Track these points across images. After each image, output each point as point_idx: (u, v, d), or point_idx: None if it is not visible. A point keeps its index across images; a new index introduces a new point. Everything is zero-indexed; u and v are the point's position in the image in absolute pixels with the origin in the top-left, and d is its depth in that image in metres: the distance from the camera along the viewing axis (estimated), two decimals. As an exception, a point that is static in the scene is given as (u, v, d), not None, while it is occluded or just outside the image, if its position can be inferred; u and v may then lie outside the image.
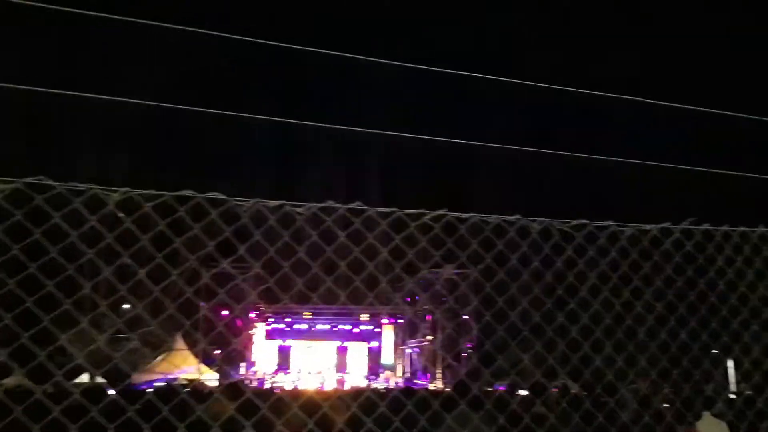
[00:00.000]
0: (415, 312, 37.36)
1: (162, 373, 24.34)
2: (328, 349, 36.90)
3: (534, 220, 4.08)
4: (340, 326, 36.88)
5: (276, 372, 34.49)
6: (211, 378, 27.05)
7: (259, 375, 33.12)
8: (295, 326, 36.60)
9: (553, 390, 6.96)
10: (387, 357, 37.76)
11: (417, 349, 37.56)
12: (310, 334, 36.71)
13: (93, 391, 4.49)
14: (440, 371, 35.11)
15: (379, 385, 31.12)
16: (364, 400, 4.58)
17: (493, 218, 4.01)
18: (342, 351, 37.06)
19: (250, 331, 35.48)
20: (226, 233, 3.73)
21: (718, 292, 4.72)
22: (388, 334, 38.00)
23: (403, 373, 37.42)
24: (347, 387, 28.26)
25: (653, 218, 4.42)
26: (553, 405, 5.90)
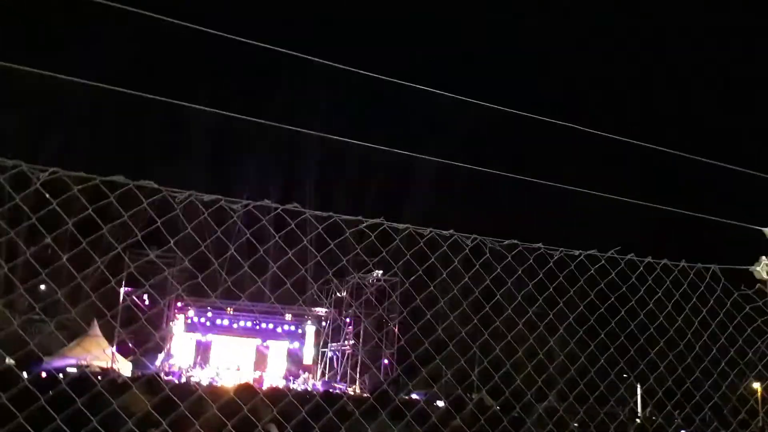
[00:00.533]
0: (340, 316, 37.34)
1: (75, 358, 23.62)
2: (249, 346, 36.48)
3: (468, 236, 4.13)
4: (263, 324, 36.53)
5: (193, 366, 33.91)
6: (124, 367, 26.45)
7: (175, 368, 32.48)
8: (217, 321, 36.07)
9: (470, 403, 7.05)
10: (307, 358, 37.58)
11: (338, 353, 37.52)
12: (231, 330, 36.22)
13: (4, 375, 4.32)
14: (359, 376, 35.19)
15: (298, 386, 30.95)
16: (285, 403, 4.54)
17: (428, 231, 4.04)
18: (262, 349, 36.70)
19: (170, 323, 34.81)
20: (157, 223, 3.64)
21: (637, 320, 4.88)
22: (310, 335, 37.83)
23: (323, 375, 37.31)
24: (265, 386, 27.97)
25: (581, 244, 4.54)
26: (469, 419, 5.96)
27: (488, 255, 4.16)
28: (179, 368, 32.78)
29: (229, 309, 35.62)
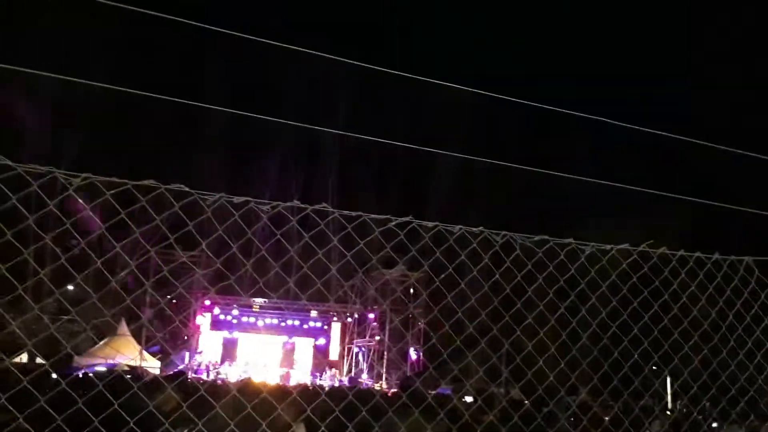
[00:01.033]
0: (366, 312, 37.42)
1: (104, 358, 23.89)
2: (275, 343, 36.67)
3: (497, 233, 4.11)
4: (289, 321, 36.69)
5: (221, 363, 34.16)
6: (152, 366, 26.72)
7: (203, 366, 32.74)
8: (243, 319, 36.29)
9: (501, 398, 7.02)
10: (333, 354, 37.71)
11: (364, 349, 37.60)
12: (257, 328, 36.43)
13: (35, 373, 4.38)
14: (386, 372, 35.24)
15: (324, 382, 31.04)
16: (316, 400, 4.55)
17: (457, 228, 4.03)
18: (289, 346, 36.87)
19: (196, 321, 35.11)
20: (189, 227, 3.67)
21: (670, 314, 4.83)
22: (336, 331, 37.95)
23: (349, 371, 37.41)
24: (292, 383, 28.10)
25: (613, 238, 4.50)
26: (500, 414, 5.95)
27: (518, 251, 4.13)
28: (207, 365, 33.02)
29: (255, 306, 35.84)
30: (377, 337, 36.38)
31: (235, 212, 3.63)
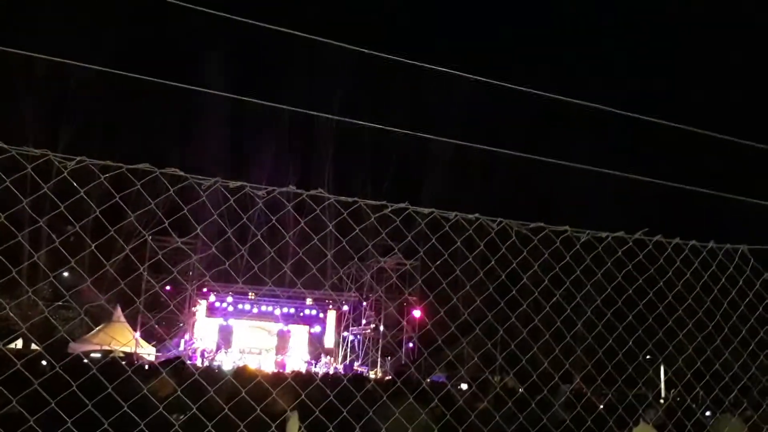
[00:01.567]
0: (361, 299, 37.44)
1: (99, 345, 23.89)
2: (270, 330, 36.70)
3: (493, 220, 4.10)
4: (284, 309, 36.70)
5: (216, 350, 34.17)
6: (148, 352, 26.72)
7: (198, 352, 32.75)
8: (239, 306, 36.29)
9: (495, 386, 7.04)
10: (329, 342, 37.75)
11: (359, 337, 37.66)
12: (252, 315, 36.44)
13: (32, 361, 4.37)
14: (381, 359, 35.32)
15: (320, 369, 31.10)
16: (312, 386, 4.56)
17: (453, 215, 4.02)
18: (284, 334, 36.89)
19: (192, 308, 35.10)
20: (183, 211, 3.65)
21: (665, 302, 4.84)
22: (331, 319, 37.99)
23: (344, 359, 37.48)
24: (287, 370, 28.14)
25: (607, 226, 4.49)
26: (494, 401, 5.97)
27: (514, 238, 4.13)
28: (203, 351, 33.03)
29: (251, 294, 35.83)
30: (372, 325, 36.43)
31: (230, 197, 3.62)
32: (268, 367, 30.21)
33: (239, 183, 3.58)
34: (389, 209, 3.89)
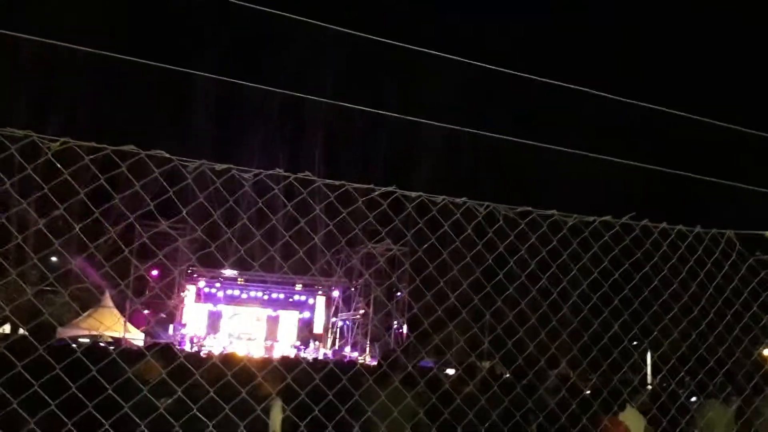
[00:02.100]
0: (350, 285, 37.50)
1: (87, 330, 23.84)
2: (260, 316, 36.73)
3: (480, 204, 4.10)
4: (273, 294, 36.72)
5: (205, 336, 34.19)
6: (136, 338, 26.69)
7: (187, 338, 32.76)
8: (228, 291, 36.29)
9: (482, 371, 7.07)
10: (318, 327, 37.83)
11: (348, 322, 37.76)
12: (242, 300, 36.46)
13: (19, 344, 4.35)
14: (370, 345, 35.45)
15: (308, 355, 31.18)
16: (299, 371, 4.56)
17: (440, 198, 4.02)
18: (273, 319, 36.94)
19: (181, 293, 35.06)
20: (169, 193, 3.63)
21: (651, 286, 4.86)
22: (320, 305, 38.04)
23: (333, 344, 37.58)
24: (276, 355, 28.19)
25: (595, 209, 4.50)
26: (481, 386, 5.99)
27: (501, 222, 4.13)
28: (192, 337, 33.04)
29: (240, 279, 35.82)
30: (361, 311, 36.52)
31: (216, 179, 3.59)
32: (258, 353, 30.24)
33: (225, 166, 3.56)
34: (376, 192, 3.88)
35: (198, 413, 3.84)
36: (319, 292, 37.83)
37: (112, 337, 24.02)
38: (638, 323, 4.95)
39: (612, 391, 5.55)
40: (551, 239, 4.39)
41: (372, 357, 33.48)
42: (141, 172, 3.86)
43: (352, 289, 37.28)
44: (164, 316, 32.54)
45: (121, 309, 28.54)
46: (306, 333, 37.11)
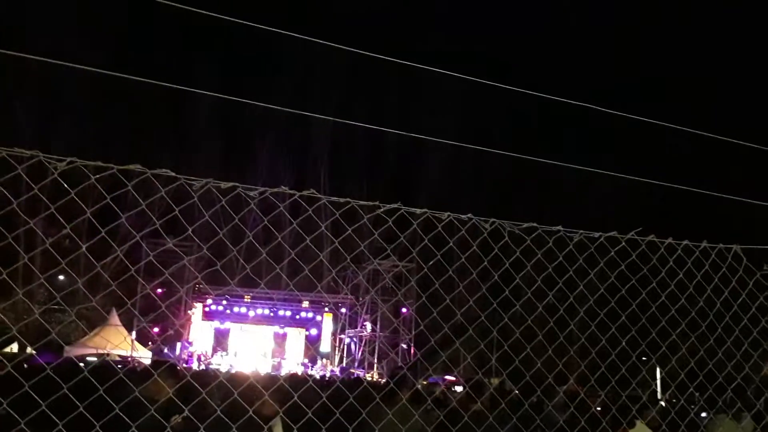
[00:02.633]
0: (357, 302, 37.43)
1: (95, 348, 23.82)
2: (267, 333, 36.66)
3: (486, 220, 4.10)
4: (280, 312, 36.65)
5: (212, 354, 34.13)
6: (144, 356, 26.67)
7: (195, 356, 32.71)
8: (235, 309, 36.24)
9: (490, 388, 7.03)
10: (325, 345, 37.73)
11: (356, 339, 37.65)
12: (248, 318, 36.38)
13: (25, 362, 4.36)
14: (377, 362, 35.32)
15: (316, 373, 31.07)
16: (306, 388, 4.55)
17: (446, 215, 4.02)
18: (280, 337, 36.86)
19: (188, 311, 35.03)
20: (174, 212, 3.64)
21: (658, 302, 4.85)
22: (327, 322, 37.95)
23: (340, 361, 37.46)
24: (283, 373, 28.12)
25: (600, 226, 4.50)
26: (489, 403, 5.96)
27: (507, 239, 4.13)
28: (199, 355, 32.99)
29: (246, 297, 35.78)
30: (368, 327, 36.43)
31: (221, 198, 3.61)
32: (265, 370, 30.15)
33: (231, 184, 3.57)
34: (382, 210, 3.89)
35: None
36: (326, 309, 37.76)
37: (119, 356, 24.00)
38: (646, 339, 4.93)
39: (621, 407, 5.52)
40: (557, 255, 4.38)
41: (379, 374, 33.36)
42: (147, 191, 3.89)
43: (358, 306, 37.21)
44: (172, 333, 32.50)
45: (129, 328, 28.55)
46: (313, 350, 37.01)
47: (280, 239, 4.00)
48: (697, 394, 5.99)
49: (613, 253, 4.47)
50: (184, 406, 4.01)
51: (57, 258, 3.74)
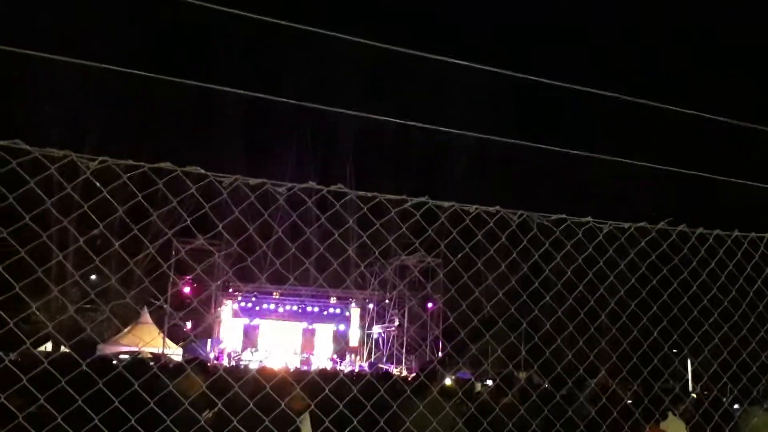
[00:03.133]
0: (384, 297, 37.47)
1: (127, 346, 24.15)
2: (295, 329, 36.85)
3: (514, 213, 4.09)
4: (309, 307, 36.82)
5: (242, 350, 34.40)
6: (175, 353, 26.96)
7: (225, 353, 33.01)
8: (264, 305, 36.47)
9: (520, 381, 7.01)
10: (353, 340, 37.85)
11: (383, 334, 37.70)
12: (278, 314, 36.60)
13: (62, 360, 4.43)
14: (405, 357, 35.34)
15: (345, 367, 31.19)
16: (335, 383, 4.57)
17: (473, 208, 4.01)
18: (309, 332, 37.05)
19: (218, 308, 35.34)
20: (205, 209, 3.68)
21: (690, 292, 4.79)
22: (355, 317, 38.07)
23: (369, 356, 37.55)
24: (313, 368, 28.27)
25: (630, 216, 4.46)
26: (519, 396, 5.95)
27: (536, 230, 4.11)
28: (229, 352, 33.27)
29: (275, 293, 35.99)
30: (396, 322, 36.46)
31: (251, 194, 3.64)
32: (294, 366, 30.32)
33: (260, 180, 3.60)
34: (409, 203, 3.89)
35: (238, 425, 3.87)
36: (354, 305, 37.86)
37: (151, 353, 24.30)
38: (677, 330, 4.88)
39: (653, 399, 5.47)
40: (587, 246, 4.35)
41: (408, 369, 33.38)
42: (176, 189, 3.93)
43: (387, 301, 37.25)
44: (202, 329, 32.82)
45: (160, 325, 28.88)
46: (342, 345, 37.14)
47: (308, 234, 4.02)
48: (730, 385, 5.92)
49: (643, 244, 4.43)
50: (217, 401, 4.06)
51: (90, 256, 3.80)
